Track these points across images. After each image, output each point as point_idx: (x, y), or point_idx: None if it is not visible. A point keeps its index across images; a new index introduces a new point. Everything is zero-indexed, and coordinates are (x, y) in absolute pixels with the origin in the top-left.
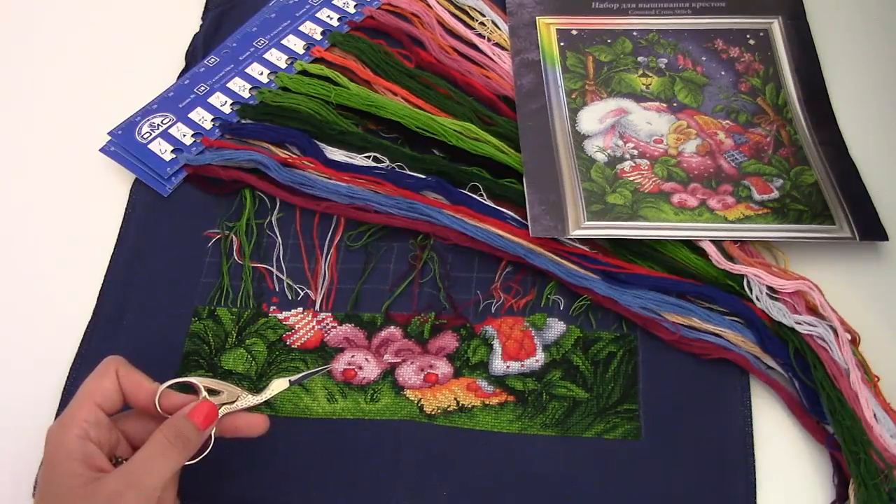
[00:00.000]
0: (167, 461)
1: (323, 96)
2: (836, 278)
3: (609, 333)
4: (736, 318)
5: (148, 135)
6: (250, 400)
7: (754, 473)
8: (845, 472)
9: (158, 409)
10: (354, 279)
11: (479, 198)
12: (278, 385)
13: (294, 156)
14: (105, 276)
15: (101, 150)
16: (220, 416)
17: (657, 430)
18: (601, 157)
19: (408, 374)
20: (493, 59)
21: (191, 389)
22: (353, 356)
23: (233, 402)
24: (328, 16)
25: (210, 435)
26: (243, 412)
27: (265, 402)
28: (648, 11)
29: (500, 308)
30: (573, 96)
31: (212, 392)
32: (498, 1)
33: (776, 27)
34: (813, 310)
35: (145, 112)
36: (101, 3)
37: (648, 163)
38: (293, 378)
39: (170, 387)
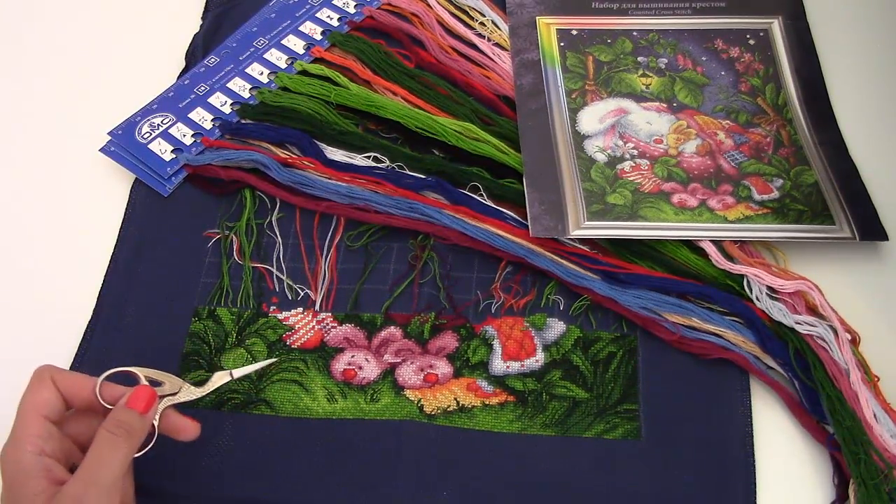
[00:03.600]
0: (117, 453)
1: (323, 96)
2: (836, 278)
3: (609, 333)
4: (736, 318)
5: (148, 135)
6: (193, 392)
7: (754, 473)
8: (845, 472)
9: (101, 401)
10: (354, 279)
11: (479, 198)
12: (219, 378)
13: (294, 156)
14: (105, 275)
15: (101, 150)
16: (161, 406)
17: (657, 430)
18: (601, 157)
19: (408, 374)
20: (493, 59)
21: (133, 382)
22: (353, 356)
23: (175, 393)
24: (328, 16)
25: (154, 427)
26: (177, 415)
27: (265, 402)
28: (648, 11)
29: (500, 308)
30: (573, 96)
31: (154, 383)
32: (498, 1)
33: (776, 27)
34: (813, 310)
35: (145, 112)
36: (102, 3)
37: (648, 163)
38: (236, 371)
39: (112, 381)
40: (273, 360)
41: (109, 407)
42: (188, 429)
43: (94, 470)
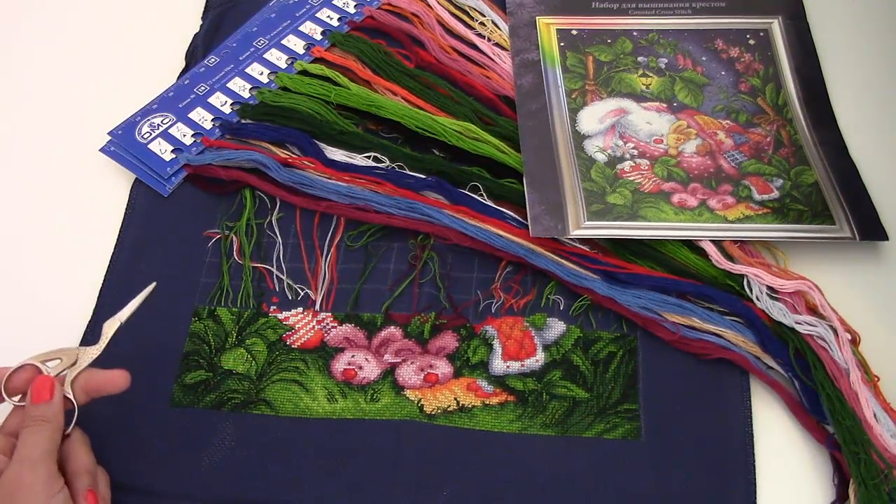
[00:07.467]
0: (40, 436)
1: (323, 96)
2: (836, 278)
3: (609, 333)
4: (736, 318)
5: (148, 135)
6: (91, 353)
7: (754, 473)
8: (845, 472)
9: (5, 396)
10: (354, 279)
11: (479, 198)
12: (109, 327)
13: (294, 156)
14: (105, 276)
15: (101, 150)
16: (68, 380)
17: (657, 430)
18: (601, 157)
19: (408, 374)
20: (493, 59)
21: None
22: (353, 356)
23: (75, 362)
24: (328, 16)
25: (73, 402)
26: (100, 371)
27: (265, 402)
28: (648, 11)
29: (500, 308)
30: (573, 96)
31: (52, 363)
32: (498, 1)
33: (776, 27)
34: (813, 310)
35: (145, 112)
36: (102, 3)
37: (648, 163)
38: (122, 314)
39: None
40: (151, 286)
41: (14, 403)
42: (116, 379)
43: (23, 451)
